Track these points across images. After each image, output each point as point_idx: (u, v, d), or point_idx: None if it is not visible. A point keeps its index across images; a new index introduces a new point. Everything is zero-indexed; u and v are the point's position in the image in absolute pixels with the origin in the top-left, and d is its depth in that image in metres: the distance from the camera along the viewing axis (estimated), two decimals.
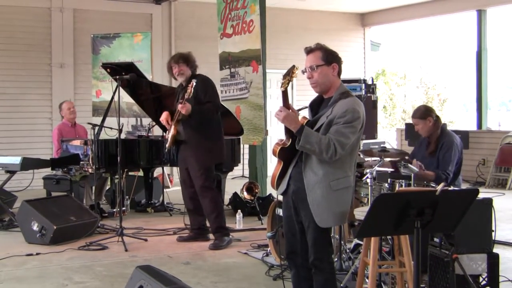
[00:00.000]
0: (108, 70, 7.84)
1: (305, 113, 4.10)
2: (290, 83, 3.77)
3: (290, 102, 3.88)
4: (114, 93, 7.03)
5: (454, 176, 5.75)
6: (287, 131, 3.84)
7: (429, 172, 5.61)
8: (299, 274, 4.05)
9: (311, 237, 3.88)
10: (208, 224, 6.87)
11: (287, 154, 3.90)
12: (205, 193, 6.64)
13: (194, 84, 6.38)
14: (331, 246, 4.02)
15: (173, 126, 6.61)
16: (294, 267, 4.08)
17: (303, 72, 3.96)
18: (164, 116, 6.73)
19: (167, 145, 6.74)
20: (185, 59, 6.68)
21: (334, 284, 3.96)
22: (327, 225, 3.84)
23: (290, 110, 3.77)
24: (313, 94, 4.07)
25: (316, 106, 4.02)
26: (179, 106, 6.40)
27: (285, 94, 3.79)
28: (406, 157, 5.65)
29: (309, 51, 3.96)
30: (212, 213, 6.68)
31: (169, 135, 6.67)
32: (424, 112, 5.88)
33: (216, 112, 6.64)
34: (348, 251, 5.43)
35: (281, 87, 3.74)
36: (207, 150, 6.62)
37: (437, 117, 5.90)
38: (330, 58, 3.92)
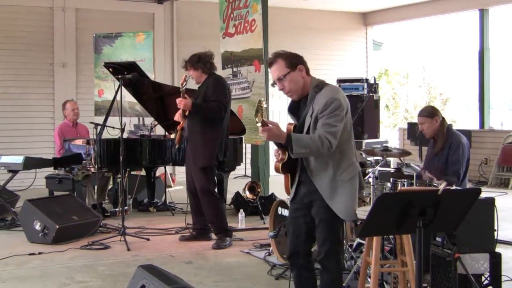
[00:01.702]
0: (110, 69, 7.84)
1: None
2: (264, 113, 3.70)
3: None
4: (116, 92, 7.03)
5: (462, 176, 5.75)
6: (278, 145, 3.84)
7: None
8: (301, 275, 4.04)
9: (321, 235, 3.88)
10: None
11: (289, 166, 3.91)
12: (205, 197, 6.62)
13: (187, 77, 6.40)
14: (341, 245, 4.02)
15: (182, 120, 6.56)
16: (296, 268, 4.07)
17: (272, 85, 3.94)
18: (178, 113, 6.61)
19: (175, 141, 6.73)
20: (190, 63, 6.61)
21: (340, 284, 3.97)
22: (351, 217, 3.99)
23: (270, 125, 3.72)
24: None
25: (295, 109, 3.99)
26: (178, 100, 6.37)
27: (262, 123, 3.70)
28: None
29: (270, 63, 3.91)
30: (213, 217, 6.67)
31: (177, 129, 6.64)
32: (432, 112, 5.88)
33: (219, 111, 6.50)
34: (350, 250, 5.43)
35: (257, 123, 3.67)
36: (206, 150, 6.55)
37: (443, 118, 5.90)
38: (294, 62, 3.86)
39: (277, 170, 3.95)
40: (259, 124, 3.67)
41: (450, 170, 5.68)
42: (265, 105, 3.69)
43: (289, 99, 4.04)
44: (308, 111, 3.83)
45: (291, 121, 4.05)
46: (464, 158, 5.70)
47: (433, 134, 5.88)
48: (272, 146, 4.10)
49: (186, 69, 6.67)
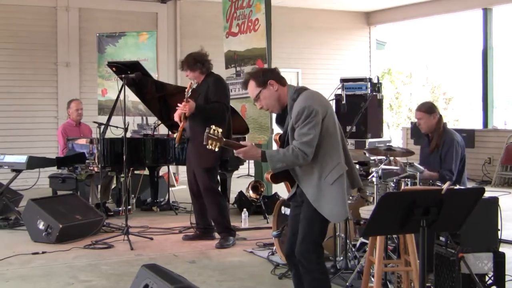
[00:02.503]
0: (113, 68, 7.85)
1: None
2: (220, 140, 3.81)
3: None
4: (120, 91, 7.03)
5: (458, 174, 5.76)
6: None
7: (432, 173, 5.63)
8: (299, 274, 4.03)
9: (301, 233, 3.90)
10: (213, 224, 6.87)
11: (281, 174, 3.93)
12: (209, 196, 6.62)
13: (193, 84, 6.44)
14: (321, 247, 3.97)
15: (183, 121, 6.55)
16: (294, 267, 4.07)
17: (254, 104, 4.06)
18: (177, 112, 6.60)
19: (176, 141, 6.73)
20: (186, 65, 6.60)
21: (324, 284, 3.92)
22: (342, 218, 4.04)
23: (245, 147, 3.85)
24: None
25: (283, 120, 4.04)
26: (182, 105, 6.38)
27: (226, 145, 3.86)
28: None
29: (244, 85, 4.02)
30: (216, 216, 6.68)
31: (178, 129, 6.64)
32: (431, 107, 5.92)
33: (221, 112, 6.49)
34: (353, 249, 5.43)
35: (213, 149, 3.83)
36: (210, 151, 6.52)
37: (441, 115, 5.93)
38: (264, 79, 3.93)
39: (267, 180, 4.02)
40: (216, 149, 3.84)
41: (443, 166, 5.71)
42: (220, 130, 3.81)
43: None
44: (289, 121, 3.88)
45: (279, 131, 4.16)
46: (458, 155, 5.73)
47: (429, 130, 5.90)
48: (275, 146, 4.12)
49: (183, 69, 6.67)
